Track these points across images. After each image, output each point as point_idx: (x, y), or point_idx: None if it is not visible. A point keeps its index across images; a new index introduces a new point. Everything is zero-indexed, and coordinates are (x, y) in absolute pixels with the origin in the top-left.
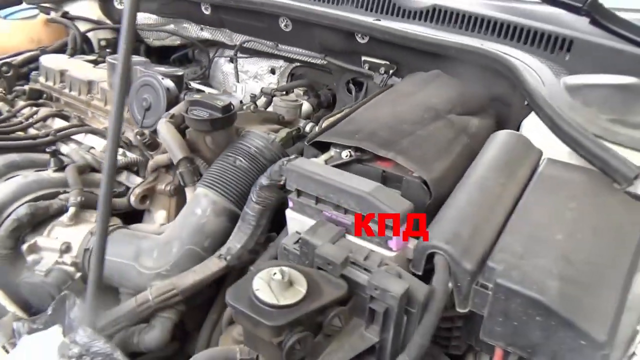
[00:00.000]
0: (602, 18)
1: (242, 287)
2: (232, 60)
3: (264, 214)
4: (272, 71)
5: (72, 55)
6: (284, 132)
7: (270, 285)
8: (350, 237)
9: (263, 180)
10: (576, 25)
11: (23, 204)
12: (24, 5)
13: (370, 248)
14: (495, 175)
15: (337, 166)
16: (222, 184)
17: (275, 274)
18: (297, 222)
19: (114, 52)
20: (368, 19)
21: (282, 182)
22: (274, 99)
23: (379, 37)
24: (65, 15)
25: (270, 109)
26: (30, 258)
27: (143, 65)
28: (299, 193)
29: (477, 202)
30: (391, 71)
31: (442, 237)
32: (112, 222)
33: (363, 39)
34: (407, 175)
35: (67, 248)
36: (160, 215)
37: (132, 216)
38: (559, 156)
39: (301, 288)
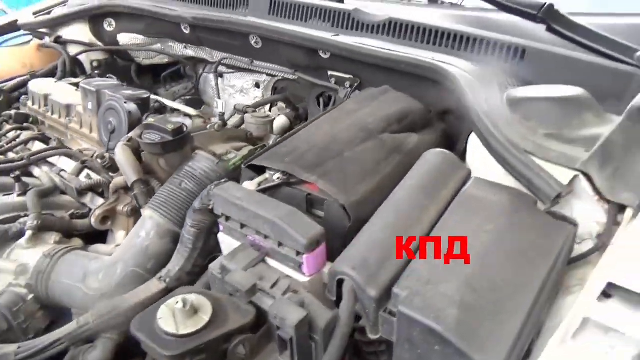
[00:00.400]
0: (558, 25)
1: (148, 315)
2: (220, 75)
3: (199, 237)
4: (257, 85)
5: (60, 78)
6: (245, 150)
7: (174, 314)
8: (270, 262)
9: (196, 204)
10: (534, 33)
11: None
12: (20, 32)
13: (287, 273)
14: (416, 197)
15: (267, 189)
16: (167, 207)
17: (177, 302)
18: (227, 245)
19: (107, 72)
20: (328, 35)
21: (211, 206)
22: (245, 115)
23: (337, 53)
24: (58, 39)
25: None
26: None
27: (111, 89)
28: (227, 217)
29: (391, 225)
30: (355, 85)
31: (350, 263)
32: (72, 244)
33: (325, 54)
34: (329, 199)
35: (22, 270)
36: (120, 235)
37: (100, 236)
38: (497, 174)
39: (205, 316)
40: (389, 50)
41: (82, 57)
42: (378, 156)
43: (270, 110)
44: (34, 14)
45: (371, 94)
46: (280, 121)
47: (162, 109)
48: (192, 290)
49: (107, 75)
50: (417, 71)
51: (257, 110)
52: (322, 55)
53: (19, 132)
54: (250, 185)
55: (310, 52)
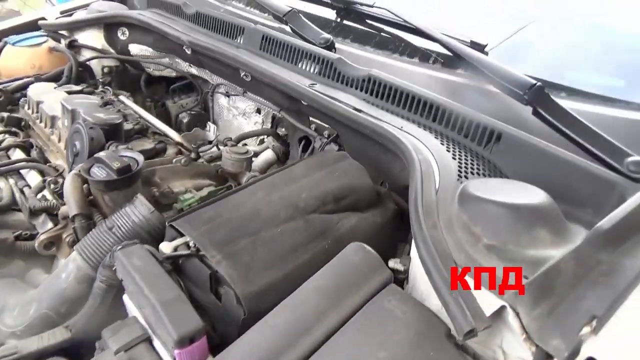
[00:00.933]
0: (545, 110)
1: None
2: (227, 95)
3: (108, 292)
4: (258, 111)
5: (64, 84)
6: (205, 191)
7: None
8: (156, 343)
9: (106, 260)
10: (519, 112)
11: None
12: (39, 32)
13: None
14: (318, 300)
15: (178, 257)
16: (91, 251)
17: None
18: (130, 308)
19: (117, 79)
20: (306, 83)
21: (114, 267)
22: (223, 148)
23: (310, 104)
24: (72, 43)
25: None
26: None
27: (87, 109)
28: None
29: (279, 332)
30: (332, 136)
31: None
32: (10, 266)
33: (304, 101)
34: (227, 285)
35: None
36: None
37: None
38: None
39: None
40: (354, 110)
41: (93, 63)
42: (298, 240)
43: (263, 142)
44: (61, 13)
45: (324, 160)
46: (266, 156)
47: (143, 130)
48: None
49: (104, 88)
50: (379, 139)
51: (237, 144)
52: (302, 101)
53: (5, 136)
54: (166, 247)
55: (290, 96)
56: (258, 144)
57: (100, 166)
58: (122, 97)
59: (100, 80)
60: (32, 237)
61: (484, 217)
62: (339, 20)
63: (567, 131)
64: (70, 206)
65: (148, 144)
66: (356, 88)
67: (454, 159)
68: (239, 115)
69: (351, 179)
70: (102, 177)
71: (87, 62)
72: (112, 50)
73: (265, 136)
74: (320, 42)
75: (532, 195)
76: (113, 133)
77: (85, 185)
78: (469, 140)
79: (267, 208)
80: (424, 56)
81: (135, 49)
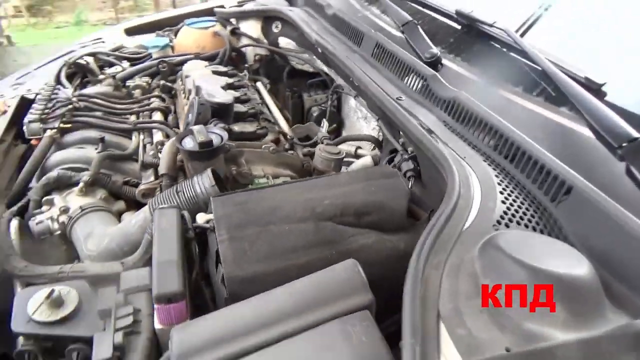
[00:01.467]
0: None
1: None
2: (355, 96)
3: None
4: None
5: (217, 64)
6: (281, 180)
7: (42, 301)
8: None
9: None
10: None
11: (58, 169)
12: (212, 17)
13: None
14: (287, 302)
15: (203, 230)
16: (158, 206)
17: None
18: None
19: (265, 67)
20: (393, 96)
21: None
22: (318, 145)
23: (390, 116)
24: (234, 30)
25: None
26: (43, 208)
27: (208, 87)
28: None
29: (242, 320)
30: (411, 154)
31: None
32: (115, 204)
33: (387, 113)
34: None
35: (64, 210)
36: None
37: None
38: None
39: (64, 312)
40: (424, 131)
41: (248, 50)
42: (301, 242)
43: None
44: (239, 2)
45: (372, 174)
46: (364, 161)
47: (256, 114)
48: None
49: (245, 73)
50: (437, 164)
51: (337, 144)
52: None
53: (155, 100)
54: (200, 218)
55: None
56: (372, 150)
57: (192, 137)
58: (258, 84)
59: (246, 66)
60: (137, 185)
61: (496, 272)
62: (461, 34)
63: None
64: (162, 166)
65: (251, 127)
66: (441, 109)
67: (503, 202)
68: (362, 118)
69: (383, 197)
70: (188, 147)
71: (242, 49)
72: (265, 41)
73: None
74: (426, 56)
75: (568, 264)
76: (222, 112)
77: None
78: (535, 187)
79: (288, 206)
80: (531, 85)
81: (283, 42)
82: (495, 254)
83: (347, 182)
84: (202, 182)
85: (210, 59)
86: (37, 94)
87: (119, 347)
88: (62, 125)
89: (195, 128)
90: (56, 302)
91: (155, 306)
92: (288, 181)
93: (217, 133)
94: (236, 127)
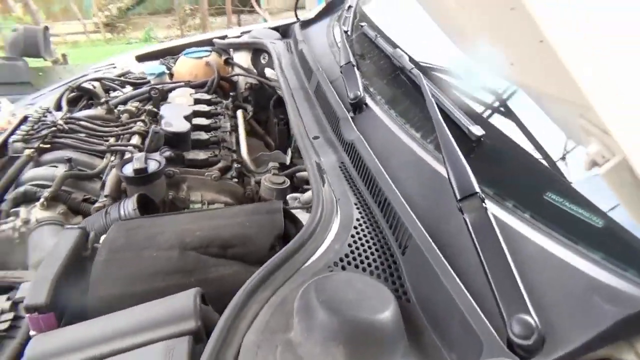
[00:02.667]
0: (471, 225)
1: None
2: None
3: None
4: None
5: (206, 91)
6: (216, 206)
7: None
8: None
9: None
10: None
11: (27, 185)
12: (209, 47)
13: None
14: (126, 323)
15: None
16: (89, 222)
17: None
18: None
19: (255, 96)
20: (315, 134)
21: None
22: (265, 176)
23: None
24: (227, 60)
25: None
26: (9, 219)
27: (170, 115)
28: None
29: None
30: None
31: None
32: (73, 219)
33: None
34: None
35: (25, 222)
36: None
37: None
38: None
39: None
40: (315, 170)
41: (240, 78)
42: (165, 269)
43: None
44: (242, 33)
45: (260, 209)
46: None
47: (218, 143)
48: None
49: (227, 102)
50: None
51: (284, 172)
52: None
53: (139, 123)
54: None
55: None
56: None
57: (132, 164)
58: (239, 112)
59: (232, 94)
60: (94, 203)
61: (306, 312)
62: (394, 76)
63: (481, 255)
64: (106, 188)
65: (204, 155)
66: (344, 150)
67: (350, 245)
68: None
69: (252, 232)
70: (126, 172)
71: (233, 77)
72: (254, 71)
73: None
74: (350, 97)
75: (370, 308)
76: (178, 140)
77: None
78: (391, 233)
79: (166, 234)
80: (427, 132)
81: (269, 72)
82: (309, 295)
83: (230, 216)
84: (127, 205)
85: (200, 86)
86: (26, 116)
87: None
88: (41, 145)
89: (136, 155)
90: None
91: (27, 315)
92: (188, 210)
93: (156, 160)
94: (190, 155)
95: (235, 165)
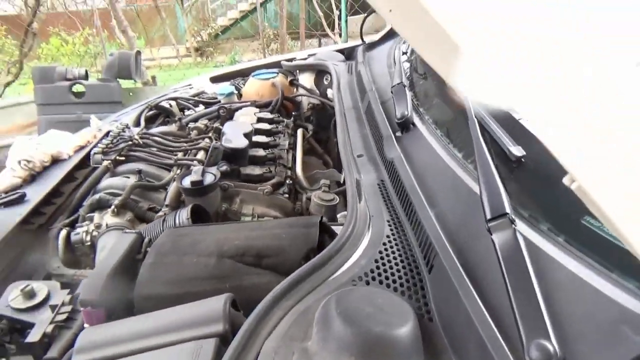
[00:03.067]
0: (498, 245)
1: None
2: None
3: None
4: None
5: (270, 111)
6: (266, 219)
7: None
8: None
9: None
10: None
11: (102, 193)
12: (277, 69)
13: None
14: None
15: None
16: (148, 227)
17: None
18: None
19: (316, 116)
20: (360, 152)
21: None
22: (315, 192)
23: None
24: (292, 81)
25: None
26: (84, 223)
27: (231, 132)
28: None
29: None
30: None
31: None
32: (137, 226)
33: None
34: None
35: (97, 226)
36: None
37: None
38: None
39: (31, 303)
40: (353, 187)
41: (303, 99)
42: (202, 274)
43: None
44: (309, 55)
45: (296, 222)
46: None
47: (274, 159)
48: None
49: (288, 120)
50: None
51: (334, 190)
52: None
53: (206, 140)
54: None
55: None
56: None
57: (190, 176)
58: (299, 131)
59: (294, 114)
60: (157, 212)
61: (324, 323)
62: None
63: (505, 276)
64: (167, 198)
65: (259, 170)
66: (385, 168)
67: (376, 261)
68: None
69: (286, 244)
70: (184, 184)
71: (296, 98)
72: (317, 92)
73: None
74: (397, 117)
75: (387, 323)
76: (236, 155)
77: None
78: (420, 251)
79: (207, 242)
80: (469, 152)
81: (330, 93)
82: (329, 306)
83: (268, 228)
84: (181, 214)
85: (265, 106)
86: (109, 131)
87: (48, 335)
88: (117, 157)
89: (194, 168)
90: (28, 295)
91: (81, 309)
92: (233, 222)
93: (212, 173)
94: (247, 170)
95: (287, 181)
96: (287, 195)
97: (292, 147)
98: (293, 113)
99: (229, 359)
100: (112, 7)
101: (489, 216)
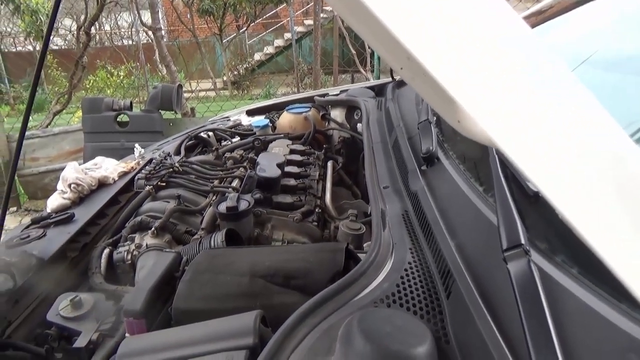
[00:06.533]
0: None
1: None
2: None
3: None
4: None
5: (302, 143)
6: (294, 244)
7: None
8: None
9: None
10: None
11: (144, 215)
12: (309, 104)
13: None
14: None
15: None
16: (186, 248)
17: (70, 296)
18: None
19: (346, 149)
20: (386, 183)
21: None
22: (343, 221)
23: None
24: (324, 115)
25: None
26: (126, 243)
27: (265, 162)
28: None
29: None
30: None
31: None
32: (175, 247)
33: None
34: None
35: (138, 246)
36: None
37: None
38: None
39: (78, 313)
40: (378, 217)
41: (335, 132)
42: (235, 291)
43: None
44: (341, 91)
45: (323, 247)
46: None
47: (305, 189)
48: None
49: (318, 153)
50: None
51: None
52: None
53: (241, 169)
54: None
55: None
56: None
57: (225, 202)
58: (329, 162)
59: (325, 146)
60: (194, 235)
61: (346, 340)
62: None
63: (520, 305)
64: (204, 222)
65: (290, 199)
66: (410, 200)
67: (397, 285)
68: None
69: (314, 267)
70: (220, 209)
71: (328, 131)
72: (348, 126)
73: None
74: (423, 152)
75: (404, 342)
76: (269, 184)
77: None
78: (439, 278)
79: (240, 263)
80: (489, 186)
81: (360, 127)
82: (352, 324)
83: (298, 252)
84: (216, 237)
85: (297, 138)
86: (152, 159)
87: (93, 342)
88: (158, 183)
89: (230, 195)
90: (76, 305)
91: (124, 319)
92: (264, 246)
93: (246, 200)
94: (279, 198)
95: (317, 210)
96: (316, 223)
97: (322, 177)
98: (324, 146)
99: None
100: (156, 42)
101: (505, 246)
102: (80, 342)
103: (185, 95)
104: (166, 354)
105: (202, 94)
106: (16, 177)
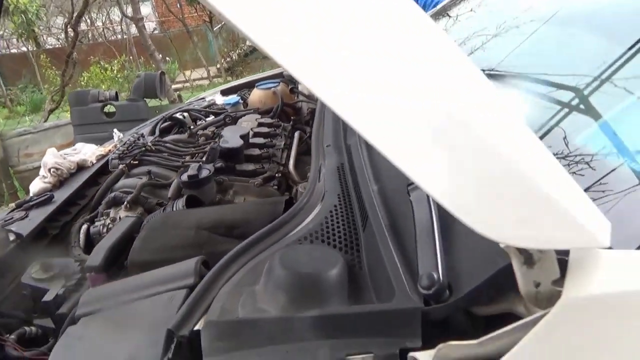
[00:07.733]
0: None
1: None
2: None
3: None
4: None
5: (271, 117)
6: None
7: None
8: None
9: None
10: None
11: (117, 191)
12: (279, 79)
13: None
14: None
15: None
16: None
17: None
18: None
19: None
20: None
21: None
22: (302, 183)
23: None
24: (292, 89)
25: None
26: (102, 218)
27: (229, 134)
28: None
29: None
30: None
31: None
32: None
33: None
34: None
35: (113, 220)
36: None
37: None
38: None
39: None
40: (315, 169)
41: (303, 105)
42: (182, 243)
43: None
44: None
45: (264, 201)
46: None
47: (268, 157)
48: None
49: (285, 124)
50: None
51: None
52: None
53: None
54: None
55: None
56: None
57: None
58: (296, 133)
59: (293, 118)
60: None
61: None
62: None
63: (415, 226)
64: (170, 191)
65: (252, 167)
66: (347, 154)
67: (321, 224)
68: None
69: (252, 217)
70: (182, 179)
71: (296, 104)
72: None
73: None
74: None
75: (316, 267)
76: (232, 154)
77: None
78: (359, 216)
79: (190, 219)
80: None
81: None
82: (274, 258)
83: (241, 206)
84: (177, 203)
85: (266, 112)
86: (127, 139)
87: (60, 296)
88: (131, 161)
89: (193, 165)
90: (46, 267)
91: (87, 274)
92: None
93: (207, 169)
94: (243, 166)
95: (277, 174)
96: (276, 187)
97: (288, 147)
98: (292, 117)
99: (190, 302)
100: (139, 32)
101: (409, 182)
102: (48, 296)
103: (179, 85)
104: (119, 298)
105: (196, 82)
106: (13, 174)
